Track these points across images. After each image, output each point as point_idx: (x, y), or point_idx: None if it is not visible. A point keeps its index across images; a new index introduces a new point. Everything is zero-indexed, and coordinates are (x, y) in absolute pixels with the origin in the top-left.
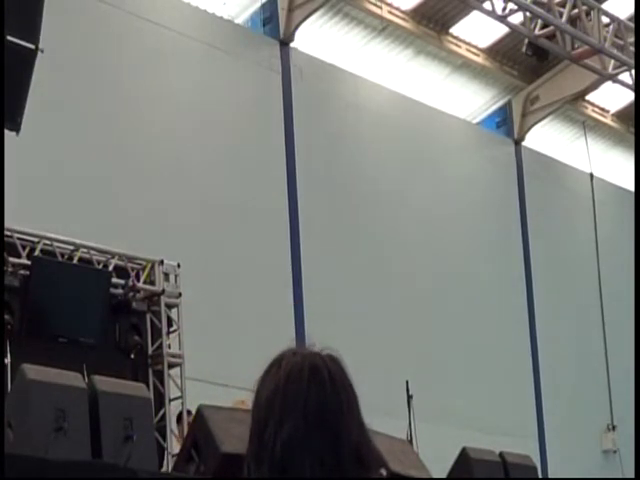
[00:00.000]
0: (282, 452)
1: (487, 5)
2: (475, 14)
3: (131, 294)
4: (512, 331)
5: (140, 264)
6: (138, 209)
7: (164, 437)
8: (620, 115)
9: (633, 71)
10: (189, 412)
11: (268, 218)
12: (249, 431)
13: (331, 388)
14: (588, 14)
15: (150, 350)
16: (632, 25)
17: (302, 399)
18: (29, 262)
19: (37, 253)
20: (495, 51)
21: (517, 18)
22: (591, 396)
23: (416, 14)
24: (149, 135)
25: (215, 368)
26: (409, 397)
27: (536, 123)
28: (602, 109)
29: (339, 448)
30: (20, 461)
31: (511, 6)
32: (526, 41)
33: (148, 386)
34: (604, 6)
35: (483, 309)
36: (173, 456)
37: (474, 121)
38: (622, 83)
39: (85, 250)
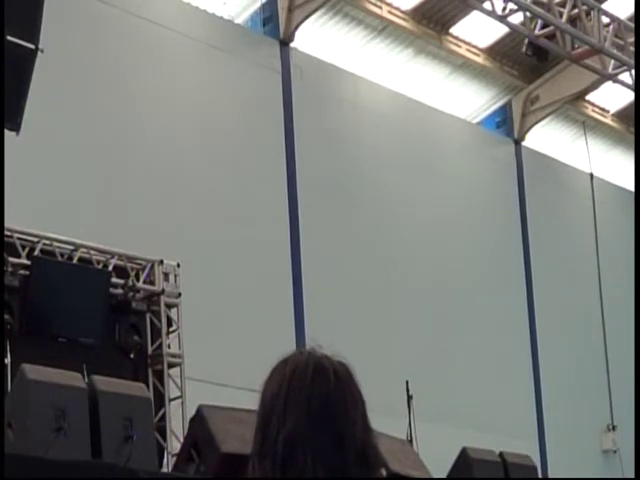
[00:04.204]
0: (284, 447)
1: (487, 5)
2: (475, 14)
3: (131, 294)
4: (512, 331)
5: (140, 264)
6: (138, 209)
7: (164, 437)
8: (620, 115)
9: (633, 71)
10: None
11: (268, 218)
12: (254, 429)
13: (335, 385)
14: (588, 14)
15: (150, 350)
16: (632, 25)
17: (306, 395)
18: (29, 262)
19: (37, 253)
20: (495, 51)
21: (517, 18)
22: (591, 396)
23: (416, 14)
24: (149, 135)
25: (215, 368)
26: (409, 397)
27: (536, 123)
28: (602, 109)
29: (343, 446)
30: (20, 461)
31: (511, 6)
32: (526, 41)
33: (148, 386)
34: (604, 6)
35: (483, 309)
36: (173, 456)
37: (474, 121)
38: (622, 83)
39: (85, 250)
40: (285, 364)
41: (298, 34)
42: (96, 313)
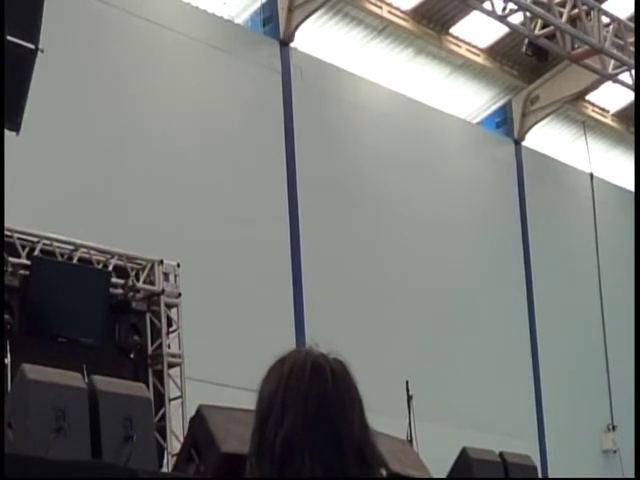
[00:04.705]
0: (282, 447)
1: (487, 5)
2: (475, 14)
3: (131, 294)
4: (512, 331)
5: (140, 264)
6: (138, 209)
7: (164, 437)
8: (620, 115)
9: (633, 71)
10: None
11: (268, 218)
12: (252, 428)
13: (333, 385)
14: (588, 14)
15: (150, 350)
16: (632, 25)
17: (303, 395)
18: (29, 262)
19: (37, 253)
20: (495, 51)
21: (517, 18)
22: (591, 396)
23: (416, 14)
24: (149, 135)
25: (215, 368)
26: (409, 397)
27: (536, 123)
28: (602, 109)
29: (340, 445)
30: (20, 461)
31: (511, 6)
32: (526, 41)
33: (148, 386)
34: (604, 6)
35: (483, 309)
36: (173, 456)
37: (474, 121)
38: (622, 83)
39: (85, 250)
40: (282, 363)
41: (298, 34)
42: (96, 313)
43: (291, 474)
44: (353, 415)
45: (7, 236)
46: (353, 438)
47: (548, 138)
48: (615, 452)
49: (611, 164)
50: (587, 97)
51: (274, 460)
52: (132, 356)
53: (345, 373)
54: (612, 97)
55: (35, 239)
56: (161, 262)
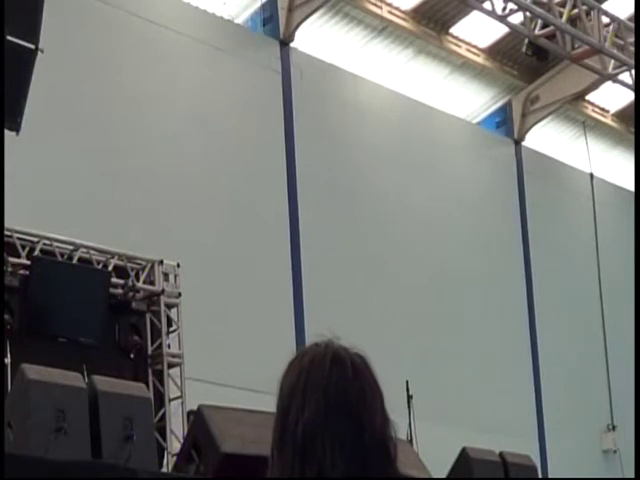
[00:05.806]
0: (303, 436)
1: (487, 5)
2: (475, 14)
3: (131, 294)
4: (512, 331)
5: (140, 264)
6: (138, 209)
7: (164, 437)
8: (620, 115)
9: (633, 71)
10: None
11: (268, 218)
12: (274, 421)
13: (353, 375)
14: (588, 14)
15: (150, 350)
16: (632, 25)
17: (323, 384)
18: (29, 262)
19: (37, 253)
20: (495, 51)
21: (517, 18)
22: (591, 396)
23: (416, 14)
24: (149, 135)
25: (215, 368)
26: (409, 397)
27: (536, 123)
28: (602, 109)
29: (362, 434)
30: (20, 461)
31: (511, 6)
32: (526, 41)
33: (148, 386)
34: (604, 6)
35: (483, 309)
36: (173, 456)
37: (474, 121)
38: (622, 83)
39: (85, 250)
40: (303, 356)
41: (298, 34)
42: (96, 313)
43: (312, 463)
44: (375, 405)
45: (7, 236)
46: (374, 428)
47: (548, 138)
48: (615, 452)
49: (611, 164)
50: (587, 97)
51: (295, 450)
52: (132, 356)
53: (365, 366)
54: (612, 97)
55: (35, 239)
56: (161, 262)
